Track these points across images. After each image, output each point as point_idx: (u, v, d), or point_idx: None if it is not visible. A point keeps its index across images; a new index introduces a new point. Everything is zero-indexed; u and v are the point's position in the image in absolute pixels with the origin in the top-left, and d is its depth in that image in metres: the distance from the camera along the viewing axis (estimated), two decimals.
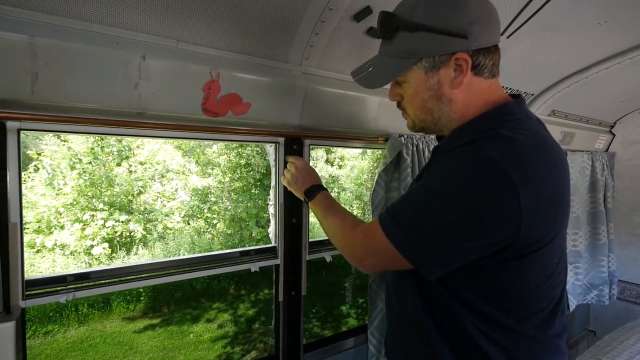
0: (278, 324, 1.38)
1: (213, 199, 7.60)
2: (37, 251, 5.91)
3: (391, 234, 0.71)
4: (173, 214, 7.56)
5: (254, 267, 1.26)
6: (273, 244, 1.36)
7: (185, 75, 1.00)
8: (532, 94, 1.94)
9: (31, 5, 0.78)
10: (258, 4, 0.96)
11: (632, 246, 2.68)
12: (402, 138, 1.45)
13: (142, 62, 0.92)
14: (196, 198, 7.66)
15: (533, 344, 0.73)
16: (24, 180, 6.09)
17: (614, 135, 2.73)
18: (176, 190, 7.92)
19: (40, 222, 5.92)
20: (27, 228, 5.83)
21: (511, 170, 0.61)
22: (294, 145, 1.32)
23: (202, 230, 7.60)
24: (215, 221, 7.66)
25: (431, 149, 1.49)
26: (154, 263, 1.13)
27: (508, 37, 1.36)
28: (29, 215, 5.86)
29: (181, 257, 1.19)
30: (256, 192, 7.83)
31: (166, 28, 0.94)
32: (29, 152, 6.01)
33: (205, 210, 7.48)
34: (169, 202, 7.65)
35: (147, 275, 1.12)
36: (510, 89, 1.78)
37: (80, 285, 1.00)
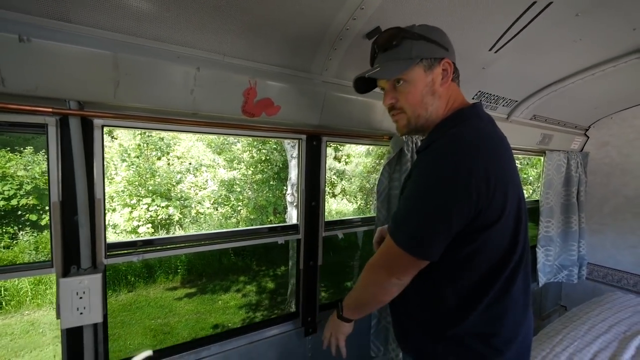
0: (299, 288, 1.47)
1: (238, 189, 7.74)
2: None
3: (399, 242, 0.75)
4: (204, 201, 7.74)
5: (281, 240, 1.35)
6: (295, 222, 1.43)
7: (229, 83, 1.07)
8: (516, 101, 1.95)
9: (116, 28, 0.87)
10: (289, 27, 1.02)
11: (600, 234, 2.68)
12: (404, 137, 1.51)
13: (197, 72, 1.00)
14: (223, 188, 7.81)
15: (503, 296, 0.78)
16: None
17: (588, 137, 2.71)
18: (206, 181, 8.08)
19: None
20: None
21: (459, 159, 0.70)
22: (314, 141, 1.39)
23: (228, 215, 7.76)
24: (239, 208, 7.80)
25: None
26: (202, 234, 1.22)
27: (496, 52, 1.39)
28: None
29: (224, 230, 1.28)
30: (274, 183, 7.92)
31: (216, 45, 1.02)
32: None
33: (232, 199, 7.62)
34: (200, 191, 7.82)
35: (196, 243, 1.21)
36: (496, 95, 1.80)
37: (147, 249, 1.10)
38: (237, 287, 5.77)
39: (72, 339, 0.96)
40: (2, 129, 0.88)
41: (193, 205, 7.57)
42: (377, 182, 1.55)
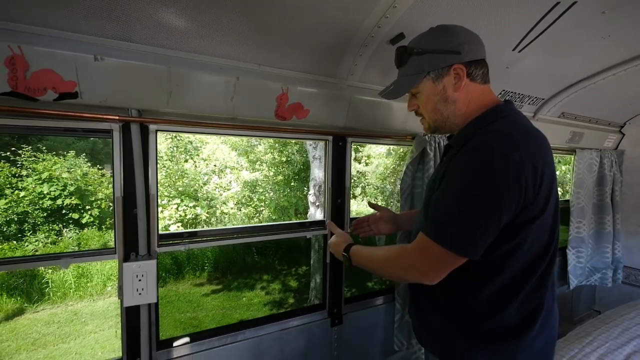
0: (325, 280, 1.55)
1: (260, 190, 7.97)
2: None
3: (446, 243, 0.73)
4: (228, 201, 8.04)
5: (309, 234, 1.44)
6: (322, 218, 1.52)
7: (264, 90, 1.18)
8: (543, 99, 1.93)
9: (170, 45, 1.00)
10: (317, 37, 1.11)
11: (638, 236, 2.56)
12: (427, 137, 1.56)
13: (237, 81, 1.11)
14: (246, 189, 8.08)
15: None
16: None
17: (624, 134, 2.60)
18: (230, 182, 8.39)
19: None
20: None
21: (508, 153, 0.69)
22: (340, 142, 1.47)
23: (251, 215, 8.01)
24: (261, 208, 8.03)
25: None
26: (238, 227, 1.34)
27: (520, 51, 1.41)
28: None
29: (258, 224, 1.39)
30: (295, 184, 8.09)
31: (253, 56, 1.13)
32: None
33: (254, 199, 7.86)
34: (225, 191, 8.13)
35: (232, 235, 1.33)
36: (521, 94, 1.80)
37: (191, 240, 1.23)
38: (261, 284, 5.96)
39: (131, 316, 1.11)
40: (77, 134, 1.03)
41: (218, 206, 7.90)
42: (400, 181, 1.60)
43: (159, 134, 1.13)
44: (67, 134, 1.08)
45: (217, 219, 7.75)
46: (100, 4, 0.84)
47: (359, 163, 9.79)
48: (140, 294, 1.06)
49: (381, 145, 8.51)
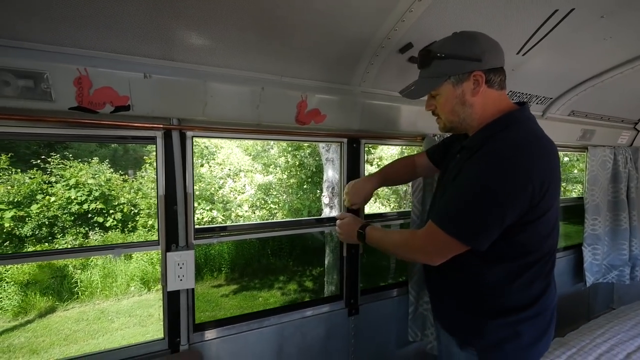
0: (342, 273, 1.67)
1: (274, 193, 8.16)
2: (148, 230, 6.87)
3: (452, 232, 0.84)
4: (243, 204, 8.27)
5: (327, 229, 1.56)
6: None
7: (285, 98, 1.32)
8: (551, 98, 2.00)
9: (205, 61, 1.15)
10: (332, 48, 1.25)
11: None
12: (436, 137, 1.66)
13: (261, 91, 1.26)
14: (260, 192, 8.29)
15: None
16: (141, 176, 7.12)
17: (639, 131, 2.60)
18: (244, 185, 8.63)
19: (150, 208, 6.88)
20: (140, 214, 6.81)
21: (518, 161, 0.78)
22: (354, 144, 1.60)
23: (265, 218, 8.21)
24: (275, 211, 8.21)
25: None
26: (262, 223, 1.48)
27: (524, 54, 1.50)
28: (141, 204, 6.84)
29: (278, 220, 1.53)
30: (308, 187, 8.24)
31: (275, 68, 1.27)
32: (145, 157, 7.05)
33: (268, 202, 8.05)
34: (239, 195, 8.37)
35: (257, 230, 1.47)
36: (529, 93, 1.87)
37: (222, 234, 1.37)
38: (277, 285, 6.11)
39: (172, 300, 1.26)
40: (127, 141, 1.20)
41: (233, 209, 8.14)
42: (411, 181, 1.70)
43: (194, 139, 1.29)
44: (119, 141, 1.25)
45: (232, 222, 7.98)
46: (148, 30, 1.00)
47: (371, 165, 9.84)
48: (181, 280, 1.21)
49: (392, 147, 8.56)
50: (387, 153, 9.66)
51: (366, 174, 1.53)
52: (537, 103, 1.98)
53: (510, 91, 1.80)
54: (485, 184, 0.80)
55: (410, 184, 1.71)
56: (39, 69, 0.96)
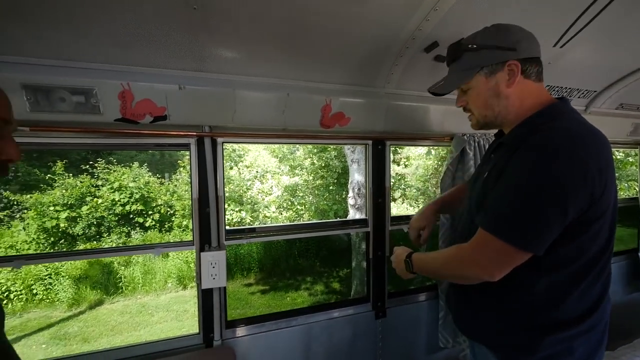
0: (369, 275, 1.66)
1: (300, 194, 8.27)
2: (183, 230, 7.26)
3: (509, 237, 0.74)
4: (270, 206, 8.47)
5: (353, 231, 1.57)
6: (365, 217, 1.64)
7: (310, 103, 1.35)
8: (595, 91, 1.85)
9: (233, 71, 1.21)
10: (356, 52, 1.25)
11: None
12: (465, 136, 1.60)
13: (287, 97, 1.29)
14: (287, 193, 8.44)
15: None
16: (176, 179, 7.56)
17: None
18: (271, 187, 8.84)
19: (185, 209, 7.27)
20: (175, 215, 7.22)
21: (574, 150, 0.70)
22: (379, 146, 1.59)
23: (292, 219, 8.34)
24: (302, 212, 8.31)
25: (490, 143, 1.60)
26: (290, 225, 1.52)
27: (562, 46, 1.41)
28: (176, 205, 7.24)
29: (305, 221, 1.56)
30: (334, 188, 8.25)
31: (300, 74, 1.30)
32: (179, 161, 7.48)
33: (295, 203, 8.18)
34: (266, 196, 8.59)
35: (285, 232, 1.51)
36: (568, 87, 1.75)
37: (251, 235, 1.43)
38: (305, 286, 6.19)
39: (206, 298, 1.34)
40: (164, 148, 1.30)
41: (260, 210, 8.37)
42: (440, 181, 1.66)
43: (224, 145, 1.35)
44: (157, 149, 1.35)
45: (260, 223, 8.20)
46: (182, 45, 1.08)
47: (398, 165, 9.64)
48: (214, 278, 1.28)
49: (419, 147, 8.32)
50: (414, 152, 9.42)
51: (393, 174, 1.51)
52: (578, 97, 1.84)
53: (548, 86, 1.69)
54: (542, 178, 0.71)
55: (439, 184, 1.67)
56: (89, 86, 1.07)
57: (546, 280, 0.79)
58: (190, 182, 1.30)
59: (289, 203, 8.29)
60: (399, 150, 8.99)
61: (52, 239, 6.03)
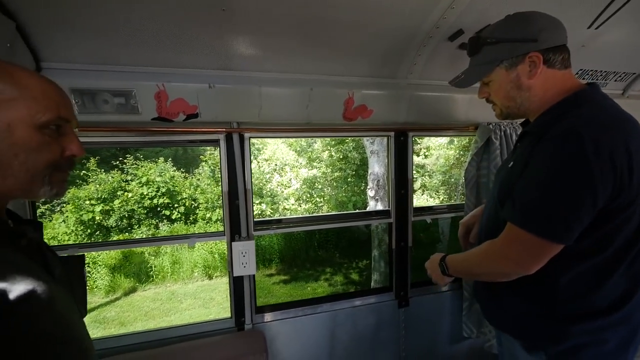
0: (392, 265, 1.69)
1: (319, 187, 8.34)
2: (207, 222, 7.55)
3: (533, 228, 0.74)
4: (289, 198, 8.61)
5: (375, 222, 1.60)
6: (387, 208, 1.66)
7: (332, 96, 1.37)
8: (634, 73, 1.74)
9: (259, 69, 1.26)
10: (378, 43, 1.26)
11: None
12: (491, 125, 1.57)
13: (310, 92, 1.32)
14: (305, 186, 8.53)
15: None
16: (199, 173, 7.84)
17: None
18: (290, 180, 8.96)
19: (207, 202, 7.54)
20: (199, 207, 7.50)
21: (598, 136, 0.69)
22: (401, 137, 1.59)
23: (311, 211, 8.44)
24: (321, 204, 8.39)
25: (518, 133, 1.56)
26: (312, 216, 1.57)
27: (596, 28, 1.34)
28: (200, 199, 7.52)
29: (329, 213, 1.60)
30: (352, 180, 8.25)
31: (323, 68, 1.33)
32: (201, 156, 7.73)
33: (314, 195, 8.26)
34: (286, 189, 8.72)
35: (308, 223, 1.56)
36: (604, 71, 1.66)
37: (278, 226, 1.49)
38: (325, 276, 6.30)
39: (237, 284, 1.42)
40: (195, 144, 1.37)
41: (280, 202, 8.53)
42: (464, 171, 1.64)
43: (251, 140, 1.41)
44: (189, 145, 1.43)
45: (279, 215, 8.37)
46: (211, 45, 1.13)
47: (417, 156, 9.46)
48: (244, 266, 1.36)
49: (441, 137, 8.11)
50: (435, 142, 9.20)
51: (414, 166, 1.51)
52: (615, 80, 1.74)
53: (581, 70, 1.61)
54: (565, 167, 0.71)
55: (463, 175, 1.66)
56: (128, 88, 1.14)
57: (572, 271, 0.79)
58: (221, 176, 1.37)
59: (308, 195, 8.39)
60: (419, 141, 8.81)
61: (88, 230, 6.46)
